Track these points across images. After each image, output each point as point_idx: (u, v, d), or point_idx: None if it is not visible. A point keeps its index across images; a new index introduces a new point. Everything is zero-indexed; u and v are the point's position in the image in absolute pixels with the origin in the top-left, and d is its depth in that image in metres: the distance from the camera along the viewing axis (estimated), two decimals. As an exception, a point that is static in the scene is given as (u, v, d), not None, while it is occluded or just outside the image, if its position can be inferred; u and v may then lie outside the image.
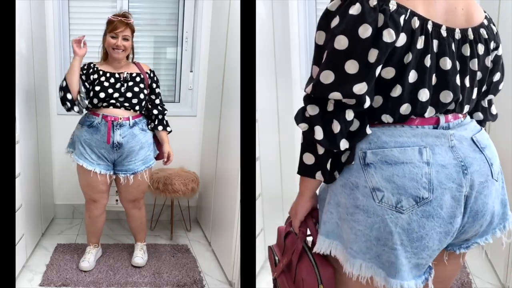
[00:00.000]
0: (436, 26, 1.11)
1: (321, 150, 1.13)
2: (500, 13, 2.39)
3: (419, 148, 1.10)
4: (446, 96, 1.14)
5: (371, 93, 1.09)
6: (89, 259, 2.57)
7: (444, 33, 1.12)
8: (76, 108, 2.37)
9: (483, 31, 1.19)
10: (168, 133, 2.60)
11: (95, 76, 2.43)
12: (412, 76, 1.10)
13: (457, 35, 1.14)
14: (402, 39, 1.07)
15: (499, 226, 1.26)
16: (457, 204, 1.11)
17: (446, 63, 1.12)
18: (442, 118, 1.16)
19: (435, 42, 1.11)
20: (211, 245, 2.92)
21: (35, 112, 2.75)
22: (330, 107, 1.09)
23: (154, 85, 2.56)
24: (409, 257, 1.12)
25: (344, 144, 1.11)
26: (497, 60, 1.26)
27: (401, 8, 1.06)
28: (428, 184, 1.08)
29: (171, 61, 3.34)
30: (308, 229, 1.30)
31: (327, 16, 1.10)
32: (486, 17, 1.22)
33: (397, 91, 1.10)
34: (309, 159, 1.15)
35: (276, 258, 1.41)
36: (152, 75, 2.57)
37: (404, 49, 1.08)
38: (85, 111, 2.48)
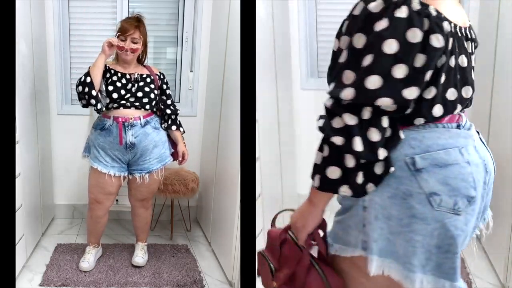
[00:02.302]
0: (455, 26, 1.11)
1: (351, 162, 1.05)
2: (500, 13, 2.39)
3: (459, 149, 1.10)
4: (467, 91, 1.16)
5: None
6: (89, 259, 2.57)
7: (459, 32, 1.12)
8: (99, 105, 2.35)
9: (471, 31, 1.21)
10: (182, 134, 2.62)
11: (107, 75, 2.45)
12: (442, 77, 1.09)
13: (464, 33, 1.16)
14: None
15: (481, 219, 1.25)
16: (481, 201, 1.14)
17: (464, 61, 1.14)
18: (463, 117, 1.18)
19: (456, 42, 1.12)
20: (211, 245, 2.92)
21: (35, 112, 2.75)
22: (366, 115, 1.02)
23: (165, 86, 2.60)
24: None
25: (383, 153, 1.05)
26: None
27: (439, 13, 1.05)
28: (473, 182, 1.09)
29: (171, 61, 3.34)
30: (314, 240, 1.25)
31: (369, 17, 1.03)
32: None
33: (431, 93, 1.08)
34: (334, 173, 1.07)
35: (272, 265, 1.35)
36: (162, 77, 2.60)
37: (441, 52, 1.07)
38: (97, 114, 2.49)
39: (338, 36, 1.15)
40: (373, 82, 1.00)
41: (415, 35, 1.00)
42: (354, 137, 1.02)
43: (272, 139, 2.80)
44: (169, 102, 2.60)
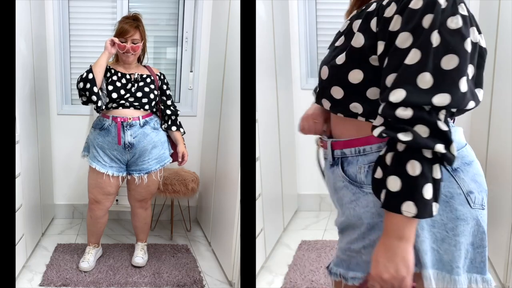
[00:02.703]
0: None
1: (439, 173, 0.92)
2: (500, 13, 2.39)
3: (469, 146, 1.10)
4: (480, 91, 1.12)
5: None
6: (89, 260, 2.57)
7: None
8: (99, 103, 2.34)
9: None
10: (182, 135, 2.62)
11: (108, 74, 2.45)
12: None
13: None
14: None
15: None
16: None
17: None
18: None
19: None
20: (211, 245, 2.92)
21: (35, 112, 2.75)
22: (443, 118, 0.93)
23: (165, 87, 2.60)
24: None
25: None
26: None
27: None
28: (484, 177, 1.11)
29: (171, 61, 3.34)
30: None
31: (441, 13, 0.92)
32: None
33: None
34: (429, 191, 0.92)
35: None
36: (162, 77, 2.61)
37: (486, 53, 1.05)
38: (97, 114, 2.49)
39: (364, 30, 1.01)
40: (464, 84, 0.91)
41: (475, 35, 0.96)
42: (451, 143, 0.91)
43: (272, 139, 2.80)
44: (169, 102, 2.60)
